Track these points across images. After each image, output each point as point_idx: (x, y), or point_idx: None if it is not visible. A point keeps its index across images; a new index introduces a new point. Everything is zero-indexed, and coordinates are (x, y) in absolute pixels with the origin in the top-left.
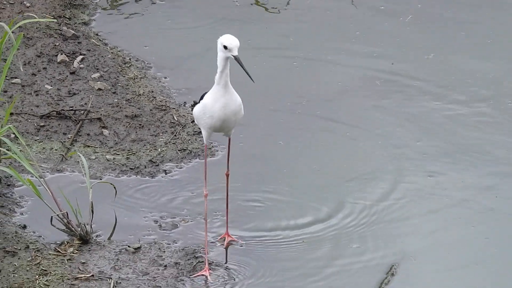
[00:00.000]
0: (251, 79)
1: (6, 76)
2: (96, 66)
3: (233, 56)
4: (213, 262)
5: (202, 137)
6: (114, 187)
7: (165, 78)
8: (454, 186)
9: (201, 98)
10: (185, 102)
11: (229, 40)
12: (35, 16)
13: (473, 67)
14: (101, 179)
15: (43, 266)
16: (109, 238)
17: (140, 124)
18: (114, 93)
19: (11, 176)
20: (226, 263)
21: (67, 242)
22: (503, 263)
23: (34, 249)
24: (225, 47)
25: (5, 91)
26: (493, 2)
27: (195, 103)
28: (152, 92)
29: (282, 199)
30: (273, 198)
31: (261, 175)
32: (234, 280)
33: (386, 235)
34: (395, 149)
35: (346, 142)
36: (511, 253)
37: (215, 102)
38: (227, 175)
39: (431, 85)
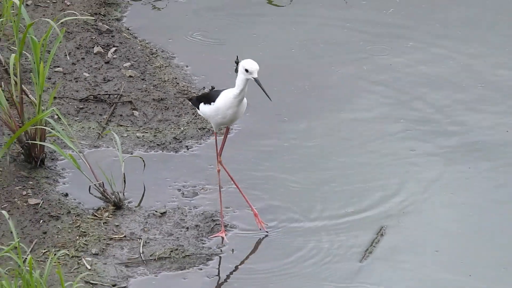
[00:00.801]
0: (269, 98)
1: (50, 65)
2: (127, 56)
3: (254, 78)
4: (228, 224)
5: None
6: (143, 160)
7: (187, 66)
8: (438, 158)
9: (203, 96)
10: (204, 87)
11: (250, 64)
12: (76, 13)
13: None
14: (132, 154)
15: (82, 228)
16: (138, 204)
17: (165, 106)
18: (143, 79)
19: (55, 152)
20: (239, 227)
21: (103, 208)
22: (480, 225)
23: (74, 214)
24: (247, 70)
25: (49, 78)
26: None
27: (191, 99)
28: (176, 78)
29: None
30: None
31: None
32: (247, 240)
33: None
34: (388, 126)
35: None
36: (486, 216)
37: (229, 109)
38: (219, 171)
39: None
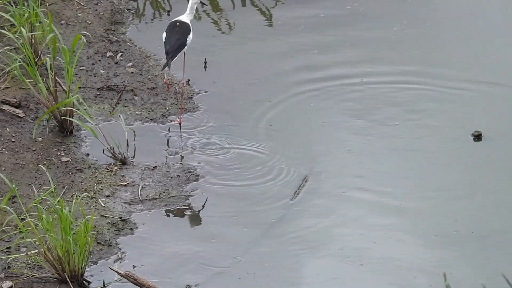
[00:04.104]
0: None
1: (76, 65)
2: (130, 58)
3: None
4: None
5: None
6: (134, 132)
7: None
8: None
9: (181, 34)
10: (182, 80)
11: None
12: (95, 30)
13: None
14: (132, 125)
15: (99, 178)
16: (133, 157)
17: (156, 93)
18: (140, 74)
19: (79, 125)
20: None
21: (113, 164)
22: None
23: (93, 168)
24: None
25: (76, 74)
26: None
27: (174, 52)
28: (163, 74)
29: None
30: None
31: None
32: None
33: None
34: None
35: None
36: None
37: None
38: (183, 84)
39: None
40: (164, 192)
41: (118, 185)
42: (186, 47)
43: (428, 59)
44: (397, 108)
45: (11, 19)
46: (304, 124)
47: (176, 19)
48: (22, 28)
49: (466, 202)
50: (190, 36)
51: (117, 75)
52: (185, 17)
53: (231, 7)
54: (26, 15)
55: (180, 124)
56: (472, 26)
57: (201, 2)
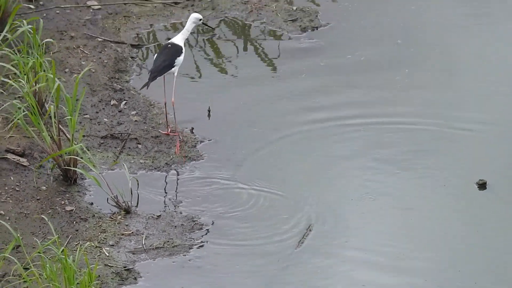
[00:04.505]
0: (213, 29)
1: (80, 113)
2: (134, 107)
3: (203, 22)
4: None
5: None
6: (137, 181)
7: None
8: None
9: (171, 55)
10: (186, 128)
11: (199, 15)
12: (99, 78)
13: None
14: (136, 174)
15: (103, 227)
16: (136, 206)
17: (160, 142)
18: (144, 123)
19: (83, 173)
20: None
21: (117, 213)
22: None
23: (97, 217)
24: (200, 20)
25: (80, 122)
26: None
27: (156, 74)
28: (167, 122)
29: None
30: None
31: None
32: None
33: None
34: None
35: None
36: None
37: None
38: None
39: None
40: (168, 241)
41: (122, 234)
42: (175, 68)
43: (433, 102)
44: (399, 152)
45: (13, 69)
46: (308, 169)
47: (170, 40)
48: (24, 80)
49: (469, 253)
50: (180, 58)
51: (121, 124)
52: (179, 38)
53: (235, 54)
54: (30, 64)
55: (167, 134)
56: (480, 71)
57: (204, 24)
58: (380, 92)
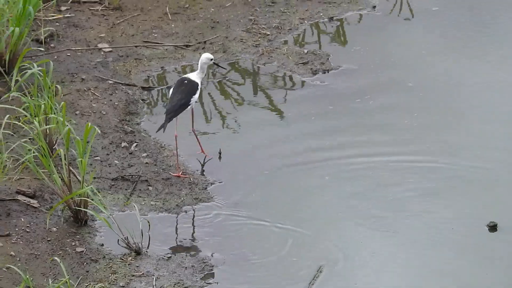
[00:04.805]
0: (225, 68)
1: (90, 155)
2: (144, 149)
3: (214, 62)
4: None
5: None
6: (148, 222)
7: (185, 156)
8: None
9: (188, 94)
10: (197, 170)
11: (211, 55)
12: (109, 120)
13: None
14: (147, 215)
15: (113, 268)
16: (147, 248)
17: (170, 184)
18: (155, 165)
19: (93, 215)
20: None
21: (128, 254)
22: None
23: (108, 258)
24: (211, 59)
25: (91, 164)
26: None
27: (173, 112)
28: (178, 164)
29: None
30: None
31: None
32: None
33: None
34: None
35: None
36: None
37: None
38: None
39: None
40: (178, 283)
41: (133, 275)
42: (190, 106)
43: (442, 143)
44: (409, 191)
45: (25, 113)
46: (319, 209)
47: (185, 76)
48: (36, 122)
49: None
50: (196, 96)
51: (132, 166)
52: (195, 75)
53: (245, 97)
54: (42, 107)
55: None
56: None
57: (216, 64)
58: (389, 133)
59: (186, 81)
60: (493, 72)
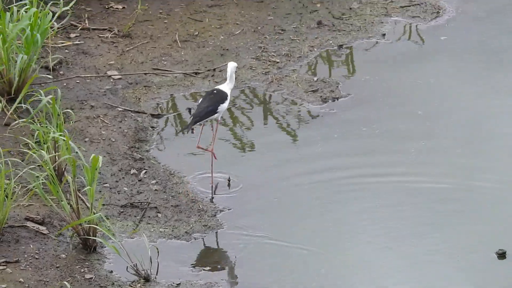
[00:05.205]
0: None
1: (99, 182)
2: (154, 176)
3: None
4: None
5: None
6: (157, 249)
7: (194, 183)
8: None
9: (215, 103)
10: (206, 197)
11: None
12: (118, 147)
13: None
14: (156, 242)
15: None
16: (156, 275)
17: (180, 211)
18: (164, 192)
19: (102, 242)
20: None
21: (137, 281)
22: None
23: (117, 285)
24: (237, 67)
25: (100, 191)
26: None
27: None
28: (187, 191)
29: None
30: None
31: None
32: None
33: None
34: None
35: None
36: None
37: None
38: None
39: None
40: None
41: None
42: (217, 115)
43: (449, 168)
44: (417, 216)
45: (32, 143)
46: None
47: (216, 87)
48: (43, 151)
49: None
50: (224, 105)
51: (141, 193)
52: (225, 86)
53: (254, 124)
54: (51, 134)
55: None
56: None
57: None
58: (395, 159)
59: (215, 91)
60: (502, 100)
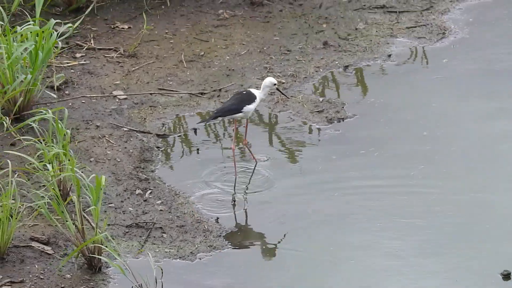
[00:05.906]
0: (286, 96)
1: (105, 202)
2: (159, 196)
3: (276, 88)
4: None
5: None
6: (161, 269)
7: (200, 203)
8: None
9: (240, 102)
10: (212, 217)
11: (274, 80)
12: (124, 168)
13: None
14: (161, 262)
15: None
16: None
17: (185, 231)
18: (169, 212)
19: (107, 262)
20: None
21: None
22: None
23: None
24: (274, 84)
25: (105, 211)
26: None
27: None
28: (192, 212)
29: None
30: None
31: None
32: None
33: None
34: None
35: None
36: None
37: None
38: (233, 150)
39: None
40: None
41: None
42: (242, 115)
43: (452, 191)
44: (422, 240)
45: (36, 163)
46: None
47: (249, 89)
48: (49, 169)
49: None
50: (250, 106)
51: (146, 213)
52: (257, 91)
53: (259, 144)
54: (54, 152)
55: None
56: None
57: (278, 90)
58: (399, 179)
59: (245, 92)
60: (507, 121)
